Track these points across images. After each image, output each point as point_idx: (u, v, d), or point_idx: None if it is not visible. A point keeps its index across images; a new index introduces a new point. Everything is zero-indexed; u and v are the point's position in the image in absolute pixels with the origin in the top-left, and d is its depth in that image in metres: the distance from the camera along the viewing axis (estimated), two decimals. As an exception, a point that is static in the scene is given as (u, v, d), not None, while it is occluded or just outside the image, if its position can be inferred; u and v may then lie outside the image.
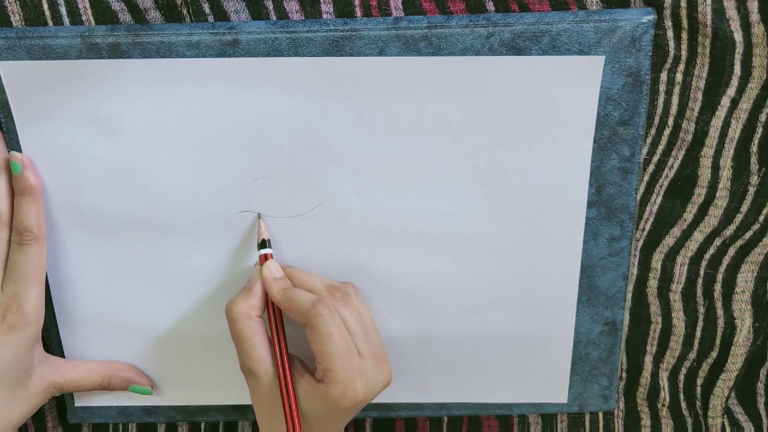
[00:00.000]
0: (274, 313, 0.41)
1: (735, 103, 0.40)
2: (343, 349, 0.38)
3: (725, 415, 0.47)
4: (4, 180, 0.40)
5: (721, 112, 0.40)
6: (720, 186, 0.42)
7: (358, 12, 0.39)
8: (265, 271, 0.41)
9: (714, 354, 0.46)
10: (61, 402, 0.48)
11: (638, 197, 0.43)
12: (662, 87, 0.40)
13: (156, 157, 0.40)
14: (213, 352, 0.45)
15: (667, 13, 0.38)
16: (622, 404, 0.49)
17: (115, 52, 0.38)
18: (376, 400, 0.43)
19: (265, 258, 0.41)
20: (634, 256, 0.45)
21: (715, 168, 0.42)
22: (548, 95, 0.39)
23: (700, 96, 0.40)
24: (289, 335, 0.41)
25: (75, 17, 0.39)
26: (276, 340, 0.40)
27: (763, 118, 0.40)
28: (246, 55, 0.38)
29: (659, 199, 0.43)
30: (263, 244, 0.41)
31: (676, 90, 0.40)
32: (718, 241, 0.44)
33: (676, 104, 0.41)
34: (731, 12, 0.37)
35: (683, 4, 0.38)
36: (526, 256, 0.43)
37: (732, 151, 0.41)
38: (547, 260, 0.43)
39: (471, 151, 0.40)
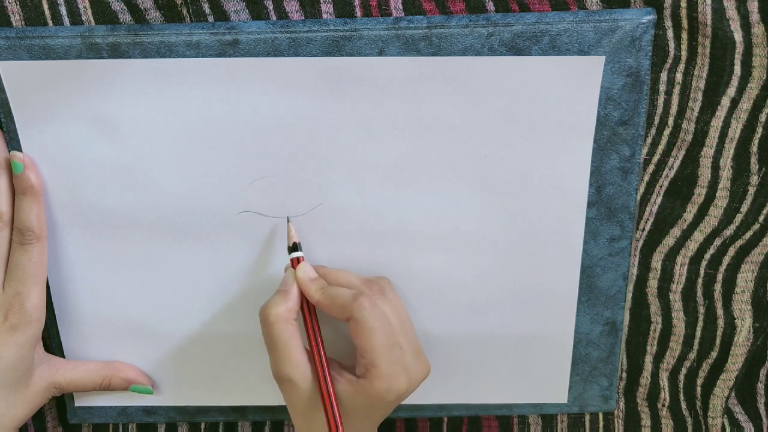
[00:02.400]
0: (310, 315, 0.40)
1: (735, 103, 0.40)
2: (387, 342, 0.38)
3: (725, 415, 0.47)
4: (5, 180, 0.40)
5: (721, 112, 0.40)
6: (720, 186, 0.42)
7: (358, 12, 0.39)
8: (300, 274, 0.40)
9: (714, 354, 0.46)
10: (61, 402, 0.48)
11: (638, 197, 0.43)
12: (662, 87, 0.40)
13: (156, 157, 0.40)
14: (213, 352, 0.45)
15: (667, 13, 0.38)
16: (622, 404, 0.49)
17: (115, 52, 0.38)
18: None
19: (297, 261, 0.41)
20: (634, 256, 0.45)
21: (715, 168, 0.42)
22: (548, 95, 0.39)
23: (700, 96, 0.40)
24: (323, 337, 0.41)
25: (75, 17, 0.39)
26: (314, 342, 0.40)
27: (763, 118, 0.40)
28: (246, 55, 0.38)
29: (659, 199, 0.43)
30: (294, 247, 0.41)
31: (676, 90, 0.40)
32: (718, 241, 0.44)
33: (676, 104, 0.41)
34: (731, 12, 0.37)
35: (683, 4, 0.38)
36: (526, 256, 0.43)
37: (732, 151, 0.41)
38: (547, 260, 0.43)
39: (471, 151, 0.40)
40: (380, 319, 0.38)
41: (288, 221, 0.41)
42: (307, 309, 0.40)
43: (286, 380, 0.39)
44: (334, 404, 0.38)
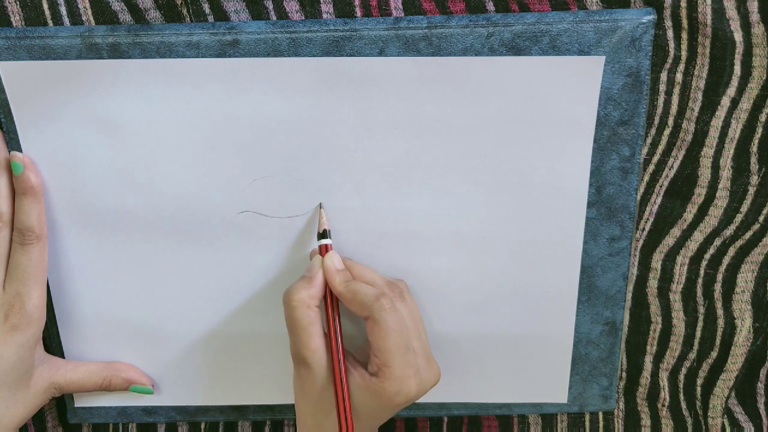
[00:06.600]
0: (332, 304, 0.40)
1: (735, 103, 0.40)
2: (402, 345, 0.38)
3: (725, 415, 0.47)
4: (5, 180, 0.40)
5: (721, 112, 0.40)
6: (720, 186, 0.42)
7: (358, 12, 0.39)
8: (327, 262, 0.40)
9: (714, 354, 0.46)
10: (61, 402, 0.48)
11: (638, 197, 0.43)
12: (662, 87, 0.40)
13: (156, 157, 0.40)
14: (213, 352, 0.45)
15: (667, 13, 0.38)
16: (622, 404, 0.49)
17: (115, 52, 0.38)
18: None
19: (325, 249, 0.41)
20: (634, 256, 0.45)
21: (715, 168, 0.42)
22: (548, 95, 0.39)
23: (700, 96, 0.40)
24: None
25: (75, 17, 0.39)
26: (333, 331, 0.40)
27: (763, 118, 0.40)
28: (246, 55, 0.38)
29: (659, 199, 0.43)
30: (324, 234, 0.41)
31: (676, 90, 0.40)
32: (718, 241, 0.44)
33: (676, 104, 0.41)
34: (731, 12, 0.37)
35: (683, 4, 0.38)
36: (526, 256, 0.43)
37: (732, 151, 0.41)
38: (547, 260, 0.43)
39: (471, 151, 0.40)
40: (398, 322, 0.38)
41: (320, 207, 0.41)
42: (330, 298, 0.40)
43: (303, 363, 0.39)
44: (347, 396, 0.38)
